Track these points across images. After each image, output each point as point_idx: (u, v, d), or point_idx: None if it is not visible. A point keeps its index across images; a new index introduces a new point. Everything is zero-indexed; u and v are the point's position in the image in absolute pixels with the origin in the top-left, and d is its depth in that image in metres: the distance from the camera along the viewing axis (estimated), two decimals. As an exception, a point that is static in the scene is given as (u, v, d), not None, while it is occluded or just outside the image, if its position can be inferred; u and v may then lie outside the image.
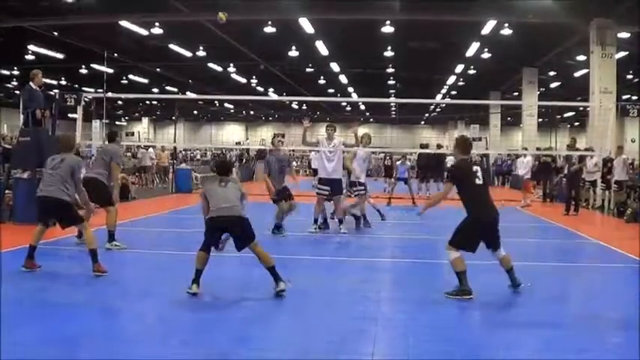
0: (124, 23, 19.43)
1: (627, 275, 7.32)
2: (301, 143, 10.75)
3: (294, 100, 42.38)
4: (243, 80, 33.23)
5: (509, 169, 25.91)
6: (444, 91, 36.24)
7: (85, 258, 8.10)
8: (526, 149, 23.19)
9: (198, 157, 40.74)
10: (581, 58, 22.17)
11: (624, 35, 18.63)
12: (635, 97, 31.75)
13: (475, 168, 6.06)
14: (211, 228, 5.72)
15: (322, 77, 32.42)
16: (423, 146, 21.16)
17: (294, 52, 24.41)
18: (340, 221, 10.00)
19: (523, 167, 16.73)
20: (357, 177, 10.42)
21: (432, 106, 45.83)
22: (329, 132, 10.32)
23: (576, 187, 14.40)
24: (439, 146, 23.40)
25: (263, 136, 48.48)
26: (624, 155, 15.64)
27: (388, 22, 19.04)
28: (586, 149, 15.88)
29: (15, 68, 30.04)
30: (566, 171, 15.39)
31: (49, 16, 18.88)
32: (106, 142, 9.07)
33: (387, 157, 20.99)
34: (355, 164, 10.42)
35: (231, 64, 29.44)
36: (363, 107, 47.70)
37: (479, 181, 5.91)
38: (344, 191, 10.26)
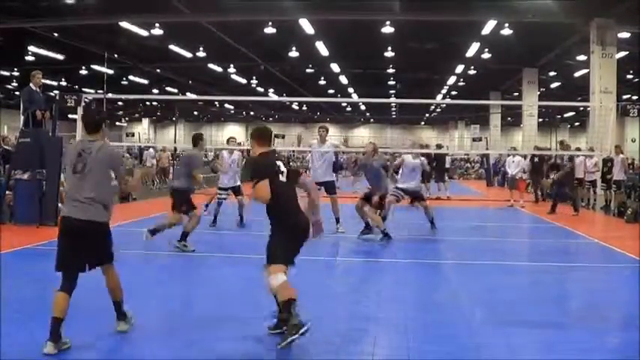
0: (124, 24, 19.43)
1: (627, 275, 7.31)
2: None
3: (295, 101, 42.40)
4: (244, 81, 33.24)
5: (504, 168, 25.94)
6: (444, 91, 36.24)
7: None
8: (515, 149, 23.24)
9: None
10: (582, 58, 22.17)
11: (624, 35, 18.63)
12: (635, 97, 31.75)
13: (278, 163, 4.66)
14: (64, 236, 4.27)
15: (322, 78, 32.43)
16: (423, 146, 21.14)
17: (294, 53, 24.41)
18: (337, 220, 10.05)
19: (514, 167, 16.68)
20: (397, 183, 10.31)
21: (433, 107, 45.84)
22: (321, 133, 10.51)
23: (571, 187, 14.44)
24: (439, 146, 23.41)
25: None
26: (622, 155, 15.66)
27: (388, 22, 19.04)
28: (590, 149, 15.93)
29: (15, 69, 30.04)
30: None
31: (49, 17, 18.89)
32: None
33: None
34: (401, 172, 10.39)
35: (232, 65, 29.44)
36: (363, 107, 47.70)
37: (283, 179, 4.58)
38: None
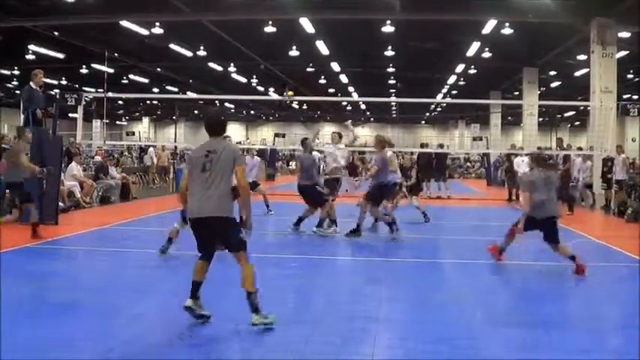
0: (125, 23, 19.42)
1: (627, 275, 7.32)
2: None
3: (295, 100, 42.29)
4: (244, 80, 33.23)
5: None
6: (444, 90, 36.21)
7: (85, 258, 8.14)
8: (522, 148, 23.20)
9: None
10: (582, 57, 22.14)
11: (625, 35, 18.61)
12: (635, 97, 31.75)
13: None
14: (193, 230, 4.78)
15: (323, 77, 32.41)
16: (423, 145, 21.17)
17: (294, 52, 24.40)
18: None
19: (524, 166, 16.70)
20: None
21: (433, 106, 45.80)
22: (333, 137, 10.93)
23: (566, 187, 14.46)
24: (440, 146, 23.43)
25: (264, 135, 48.44)
26: (623, 154, 15.65)
27: (389, 21, 19.02)
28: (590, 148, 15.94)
29: (15, 68, 30.03)
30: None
31: (49, 16, 18.87)
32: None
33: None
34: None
35: (232, 64, 29.42)
36: (363, 107, 47.66)
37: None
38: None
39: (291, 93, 11.07)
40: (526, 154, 17.87)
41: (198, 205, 4.55)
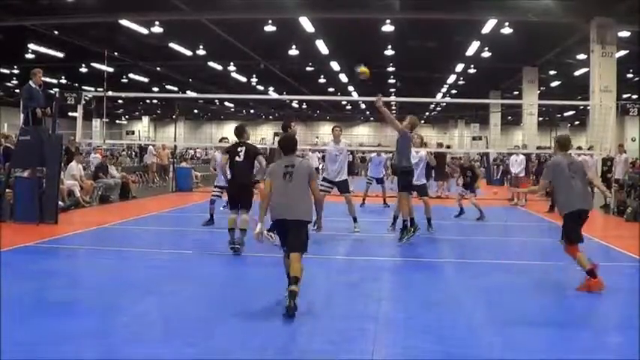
0: (125, 22, 19.42)
1: (627, 275, 7.32)
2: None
3: (294, 99, 42.36)
4: (244, 79, 33.23)
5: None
6: (444, 90, 36.24)
7: (84, 257, 8.14)
8: (518, 147, 23.24)
9: (199, 155, 40.72)
10: (582, 56, 22.17)
11: (624, 34, 18.62)
12: (635, 96, 31.79)
13: (240, 149, 7.82)
14: (277, 229, 5.36)
15: (322, 76, 32.41)
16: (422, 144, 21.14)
17: (294, 51, 24.39)
18: (354, 219, 10.08)
19: (517, 166, 16.73)
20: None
21: (433, 105, 45.82)
22: (335, 133, 10.57)
23: None
24: (440, 145, 23.41)
25: (263, 134, 48.42)
26: (625, 154, 15.64)
27: (388, 20, 19.03)
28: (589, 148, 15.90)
29: (15, 67, 30.03)
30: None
31: (49, 15, 18.87)
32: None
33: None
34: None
35: (231, 63, 29.43)
36: (363, 106, 47.67)
37: (240, 158, 7.80)
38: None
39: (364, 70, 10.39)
40: (524, 154, 17.98)
41: (282, 208, 5.26)
